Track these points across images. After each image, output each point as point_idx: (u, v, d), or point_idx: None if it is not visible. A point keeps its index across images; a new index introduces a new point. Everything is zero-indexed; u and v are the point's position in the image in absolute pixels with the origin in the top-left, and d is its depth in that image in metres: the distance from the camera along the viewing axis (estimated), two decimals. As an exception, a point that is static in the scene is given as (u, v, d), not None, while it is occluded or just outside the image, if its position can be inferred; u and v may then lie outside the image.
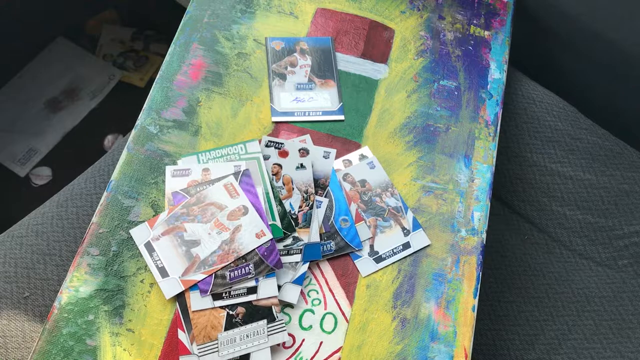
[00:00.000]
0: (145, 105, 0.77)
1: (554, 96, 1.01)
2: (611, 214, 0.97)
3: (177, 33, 0.83)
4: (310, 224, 0.71)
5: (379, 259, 0.71)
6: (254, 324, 0.63)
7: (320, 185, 0.74)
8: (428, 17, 0.90)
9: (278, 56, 0.83)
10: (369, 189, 0.75)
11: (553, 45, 1.06)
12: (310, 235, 0.70)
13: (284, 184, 0.73)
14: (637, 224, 0.96)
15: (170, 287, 0.64)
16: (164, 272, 0.64)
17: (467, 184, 0.77)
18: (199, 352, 0.61)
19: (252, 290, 0.64)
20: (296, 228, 0.71)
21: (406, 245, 0.72)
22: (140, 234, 0.67)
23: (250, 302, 0.63)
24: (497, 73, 0.86)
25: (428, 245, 0.73)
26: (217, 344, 0.62)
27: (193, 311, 0.62)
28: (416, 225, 0.73)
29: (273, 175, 0.73)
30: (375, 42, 0.86)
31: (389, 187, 0.76)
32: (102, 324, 0.65)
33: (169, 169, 0.71)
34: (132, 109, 0.99)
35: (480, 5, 0.92)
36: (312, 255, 0.70)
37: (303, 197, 0.72)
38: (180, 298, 0.64)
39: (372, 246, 0.72)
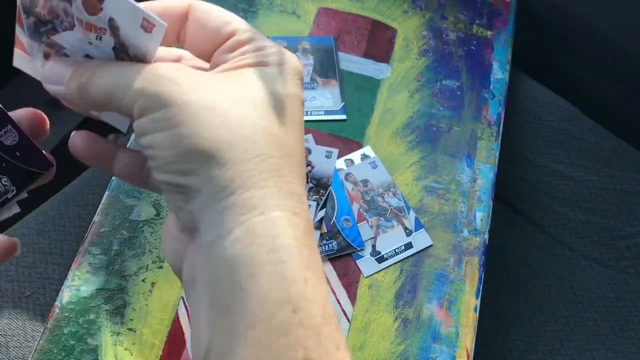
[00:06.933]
0: (147, 104, 0.77)
1: (557, 97, 1.01)
2: (614, 214, 0.96)
3: (179, 32, 0.83)
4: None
5: (381, 259, 0.71)
6: None
7: (322, 185, 0.74)
8: (430, 17, 0.89)
9: (280, 55, 0.83)
10: (371, 189, 0.75)
11: (556, 46, 1.06)
12: (312, 235, 0.70)
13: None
14: (639, 225, 0.96)
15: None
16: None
17: (470, 184, 0.77)
18: None
19: None
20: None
21: (408, 246, 0.72)
22: (27, 65, 0.42)
23: None
24: (499, 73, 0.86)
25: (430, 246, 0.72)
26: None
27: None
28: (418, 226, 0.73)
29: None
30: (377, 41, 0.86)
31: (391, 187, 0.75)
32: (104, 324, 0.64)
33: None
34: (133, 108, 0.98)
35: (482, 5, 0.92)
36: (314, 255, 0.69)
37: (305, 196, 0.72)
38: None
39: (374, 246, 0.72)
